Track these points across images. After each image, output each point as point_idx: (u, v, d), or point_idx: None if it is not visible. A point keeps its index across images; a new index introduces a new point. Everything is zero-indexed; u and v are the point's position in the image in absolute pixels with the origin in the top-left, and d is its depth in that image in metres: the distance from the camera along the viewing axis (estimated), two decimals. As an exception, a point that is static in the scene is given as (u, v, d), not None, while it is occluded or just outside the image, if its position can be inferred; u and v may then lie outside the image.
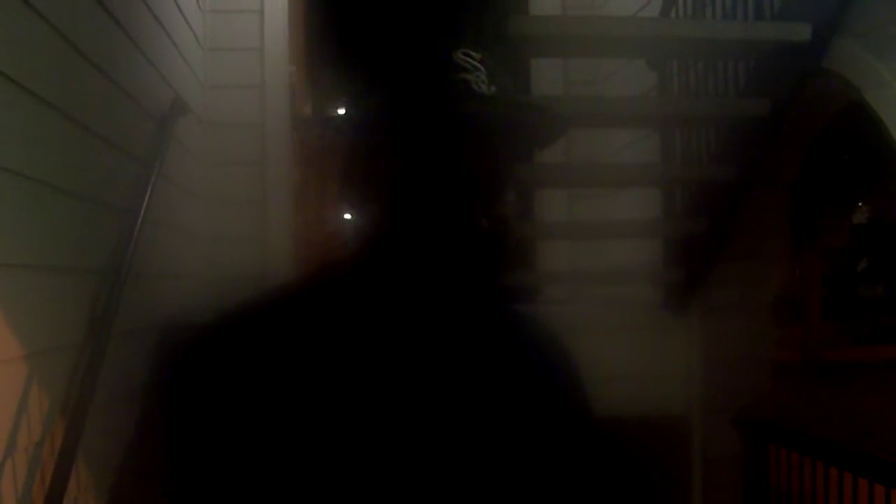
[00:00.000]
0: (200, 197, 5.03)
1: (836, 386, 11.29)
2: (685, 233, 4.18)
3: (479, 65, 1.03)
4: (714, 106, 3.90)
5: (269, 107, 5.29)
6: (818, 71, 3.36)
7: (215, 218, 5.11)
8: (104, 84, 3.35)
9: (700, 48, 3.82)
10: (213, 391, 1.00)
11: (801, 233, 13.44)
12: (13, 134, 2.47)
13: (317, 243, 5.89)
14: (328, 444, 0.97)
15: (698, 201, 4.16)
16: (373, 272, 1.06)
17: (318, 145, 6.14)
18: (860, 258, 21.07)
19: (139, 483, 3.14)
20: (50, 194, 2.76)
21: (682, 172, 4.23)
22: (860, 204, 18.59)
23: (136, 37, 3.76)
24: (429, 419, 1.00)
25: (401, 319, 1.05)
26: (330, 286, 1.10)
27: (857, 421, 8.08)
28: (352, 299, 1.06)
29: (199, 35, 5.05)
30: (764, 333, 4.48)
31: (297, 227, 5.62)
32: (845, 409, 9.04)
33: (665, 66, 4.52)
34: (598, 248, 4.84)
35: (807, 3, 3.36)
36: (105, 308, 3.11)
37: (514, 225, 1.05)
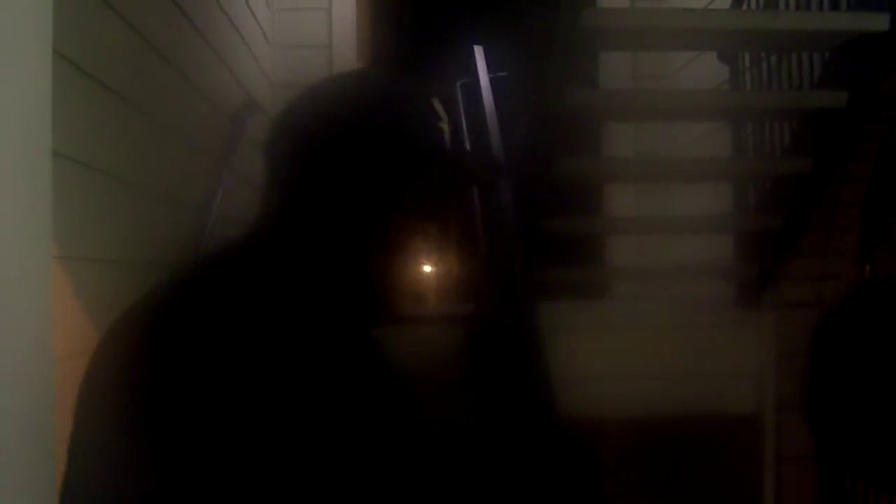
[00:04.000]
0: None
1: (906, 385, 11.09)
2: (757, 228, 4.12)
3: (444, 114, 1.22)
4: (789, 98, 3.84)
5: (337, 104, 5.30)
6: (896, 61, 3.30)
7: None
8: (177, 81, 3.39)
9: (773, 40, 3.76)
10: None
11: (872, 228, 13.14)
12: (88, 129, 2.50)
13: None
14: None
15: (771, 196, 4.10)
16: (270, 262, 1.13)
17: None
18: (931, 255, 20.60)
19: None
20: (124, 189, 2.79)
21: (754, 167, 4.18)
22: (931, 199, 18.19)
23: (208, 34, 3.80)
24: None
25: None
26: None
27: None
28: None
29: (267, 33, 5.09)
30: (837, 330, 4.40)
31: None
32: (917, 408, 8.86)
33: (737, 59, 4.46)
34: (667, 243, 4.79)
35: (884, -8, 3.30)
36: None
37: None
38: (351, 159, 1.12)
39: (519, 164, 3.86)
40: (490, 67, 4.36)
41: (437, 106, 1.21)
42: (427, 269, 5.49)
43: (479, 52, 4.38)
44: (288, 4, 5.30)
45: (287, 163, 1.17)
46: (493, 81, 4.20)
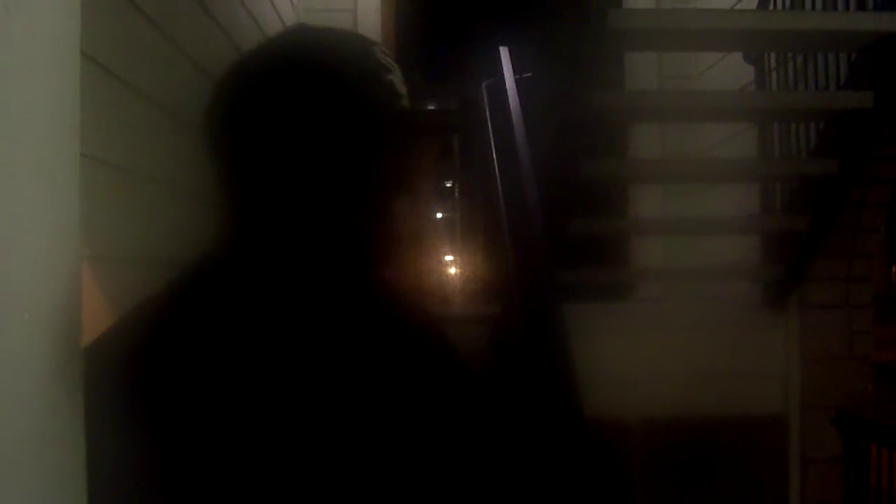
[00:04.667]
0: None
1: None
2: (783, 229, 4.11)
3: (394, 63, 1.15)
4: (815, 99, 3.83)
5: (361, 104, 5.31)
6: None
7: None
8: (203, 81, 3.41)
9: (799, 41, 3.75)
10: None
11: (896, 229, 13.05)
12: (114, 129, 2.51)
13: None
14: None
15: (797, 197, 4.09)
16: (247, 261, 1.14)
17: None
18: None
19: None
20: (152, 189, 2.81)
21: (781, 168, 4.16)
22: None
23: (233, 35, 3.82)
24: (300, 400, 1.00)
25: (272, 308, 1.07)
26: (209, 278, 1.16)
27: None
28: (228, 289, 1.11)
29: (292, 34, 5.11)
30: (863, 331, 4.39)
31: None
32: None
33: (763, 60, 4.45)
34: (694, 244, 4.78)
35: (912, -9, 3.29)
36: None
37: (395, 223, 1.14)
38: (296, 119, 1.07)
39: (545, 166, 3.86)
40: (516, 68, 4.36)
41: (383, 58, 1.15)
42: (452, 270, 5.49)
43: (504, 53, 4.39)
44: (313, 5, 5.31)
45: (231, 132, 1.15)
46: (518, 82, 4.21)
